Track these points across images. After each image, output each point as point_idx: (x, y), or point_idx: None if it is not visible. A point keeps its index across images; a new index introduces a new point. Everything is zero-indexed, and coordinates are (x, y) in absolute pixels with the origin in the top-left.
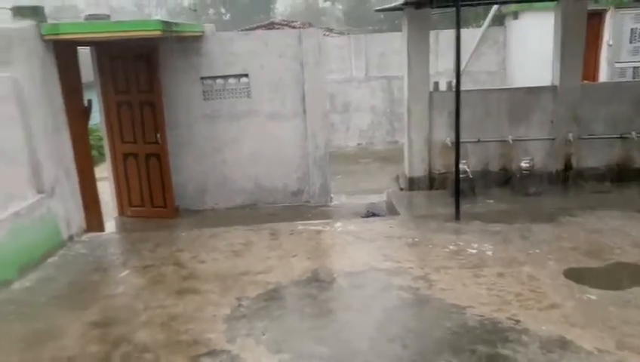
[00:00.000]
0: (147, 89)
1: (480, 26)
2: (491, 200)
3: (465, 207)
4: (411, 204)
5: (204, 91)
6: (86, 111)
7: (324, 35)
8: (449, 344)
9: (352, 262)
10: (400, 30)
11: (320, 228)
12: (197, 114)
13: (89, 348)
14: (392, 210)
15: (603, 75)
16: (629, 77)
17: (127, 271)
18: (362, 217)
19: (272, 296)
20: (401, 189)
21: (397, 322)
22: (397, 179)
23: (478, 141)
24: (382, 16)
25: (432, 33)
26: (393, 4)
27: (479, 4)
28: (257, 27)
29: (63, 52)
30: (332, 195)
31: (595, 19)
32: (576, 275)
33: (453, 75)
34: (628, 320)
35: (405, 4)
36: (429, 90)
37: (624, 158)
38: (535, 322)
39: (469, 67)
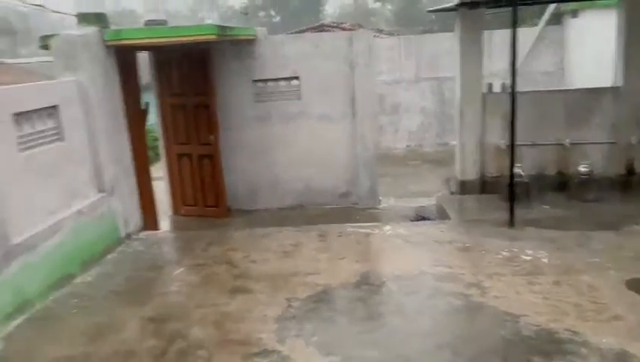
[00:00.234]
0: (201, 91)
1: (535, 25)
2: (547, 206)
3: (519, 212)
4: (462, 208)
5: (255, 93)
6: (143, 113)
7: (374, 36)
8: (502, 353)
9: (402, 266)
10: (451, 30)
11: (369, 230)
12: (248, 116)
13: (147, 342)
14: (442, 214)
15: None
16: None
17: (181, 269)
18: (411, 220)
19: (322, 298)
20: (452, 193)
21: (448, 328)
22: (447, 182)
23: (534, 144)
24: (432, 16)
25: (485, 33)
26: (446, 5)
27: (538, 3)
28: (307, 29)
29: (123, 56)
30: (380, 198)
31: None
32: (639, 286)
33: (507, 75)
34: None
35: (460, 4)
36: (482, 92)
37: None
38: (595, 334)
39: (524, 67)
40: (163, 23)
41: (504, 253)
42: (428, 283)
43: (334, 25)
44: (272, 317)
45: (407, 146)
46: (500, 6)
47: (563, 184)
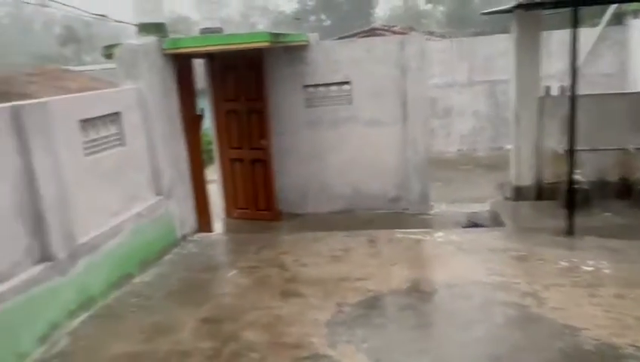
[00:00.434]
0: (254, 97)
1: (595, 26)
2: (609, 214)
3: (578, 220)
4: (518, 215)
5: (306, 99)
6: (199, 119)
7: (425, 39)
8: None
9: (454, 274)
10: (505, 32)
11: (420, 236)
12: (300, 121)
13: (201, 343)
14: (496, 221)
15: None
16: None
17: (234, 271)
18: (463, 227)
19: (372, 304)
20: (506, 199)
21: (502, 340)
22: (501, 187)
23: (594, 149)
24: (485, 17)
25: (542, 34)
26: (502, 7)
27: (599, 3)
28: (358, 33)
29: (180, 63)
30: (432, 203)
31: None
32: None
33: (565, 77)
34: None
35: (517, 6)
36: (539, 95)
37: None
38: None
39: (584, 69)
40: (218, 30)
41: (563, 263)
42: (481, 292)
43: (386, 28)
44: (322, 322)
45: (459, 150)
46: (558, 6)
47: (626, 191)
